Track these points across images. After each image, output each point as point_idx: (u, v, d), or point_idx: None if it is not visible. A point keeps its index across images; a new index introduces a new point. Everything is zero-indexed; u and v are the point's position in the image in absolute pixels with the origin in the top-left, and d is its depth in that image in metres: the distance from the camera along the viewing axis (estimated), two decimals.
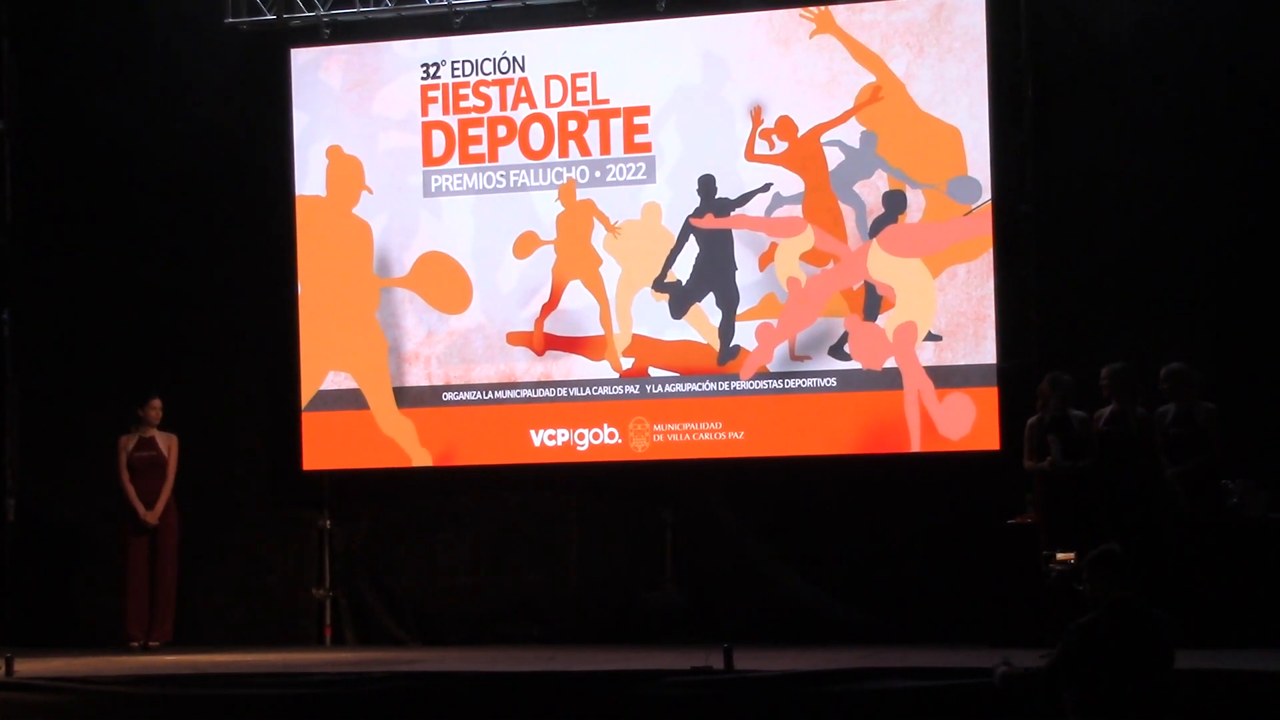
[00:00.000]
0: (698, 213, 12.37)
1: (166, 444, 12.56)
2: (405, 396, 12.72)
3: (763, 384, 12.19)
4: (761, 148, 12.27)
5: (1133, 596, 7.25)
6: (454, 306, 12.72)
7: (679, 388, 12.34)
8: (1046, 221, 11.94)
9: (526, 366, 12.57)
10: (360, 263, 12.84)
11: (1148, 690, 7.10)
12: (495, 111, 12.72)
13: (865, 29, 12.13)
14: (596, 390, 12.48)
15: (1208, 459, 10.61)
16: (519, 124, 12.67)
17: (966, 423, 11.80)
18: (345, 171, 12.88)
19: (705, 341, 12.31)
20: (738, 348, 12.24)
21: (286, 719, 9.61)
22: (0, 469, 13.40)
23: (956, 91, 11.95)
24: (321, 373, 12.82)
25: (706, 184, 12.34)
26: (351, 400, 12.76)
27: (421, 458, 12.65)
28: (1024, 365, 11.70)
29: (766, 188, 12.25)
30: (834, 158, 12.15)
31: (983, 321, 11.82)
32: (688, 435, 12.29)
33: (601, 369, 12.46)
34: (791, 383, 12.13)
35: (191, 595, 12.74)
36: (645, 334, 12.42)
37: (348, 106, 12.92)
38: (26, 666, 10.40)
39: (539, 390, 12.54)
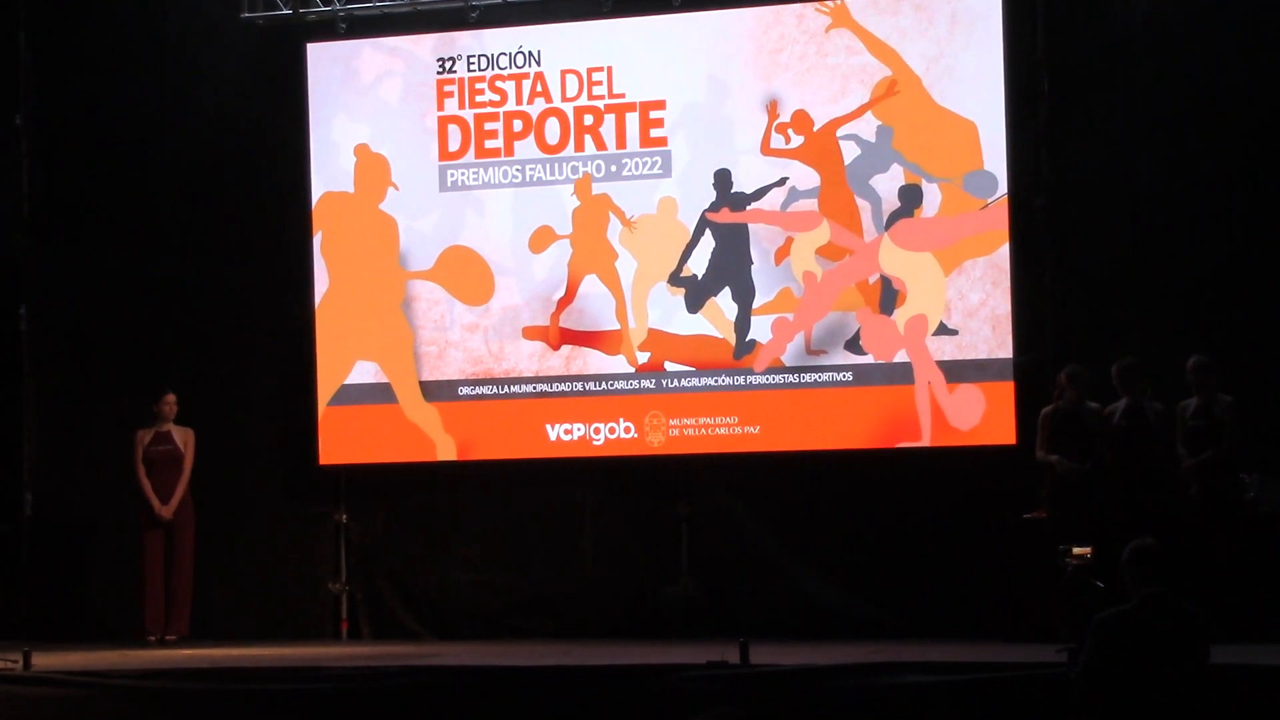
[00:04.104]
0: (713, 207, 12.37)
1: (183, 438, 12.58)
2: (425, 389, 12.73)
3: (778, 378, 12.18)
4: (777, 142, 12.26)
5: (1166, 591, 7.25)
6: (476, 299, 12.72)
7: (695, 382, 12.34)
8: (1062, 215, 11.92)
9: (542, 361, 12.57)
10: (387, 257, 12.85)
11: (1178, 686, 7.09)
12: (511, 106, 12.72)
13: (881, 22, 12.10)
14: (612, 384, 12.48)
15: (1221, 452, 10.61)
16: (535, 118, 12.67)
17: (976, 414, 11.79)
18: (373, 169, 12.88)
19: (721, 336, 12.30)
20: (753, 342, 12.23)
21: (302, 714, 9.63)
22: (18, 464, 13.43)
23: (973, 85, 11.93)
24: (349, 363, 12.82)
25: (722, 178, 12.34)
26: (374, 393, 12.77)
27: (447, 445, 12.65)
28: (1039, 359, 11.70)
29: (782, 182, 12.24)
30: (850, 152, 12.13)
31: (998, 315, 11.80)
32: (703, 430, 12.29)
33: (617, 363, 12.46)
34: (807, 377, 12.13)
35: (208, 590, 12.77)
36: (661, 328, 12.42)
37: (369, 101, 12.92)
38: (44, 661, 10.44)
39: (554, 385, 12.54)
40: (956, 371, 11.86)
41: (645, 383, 12.43)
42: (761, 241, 12.26)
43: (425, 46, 12.90)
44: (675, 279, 12.42)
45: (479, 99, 12.77)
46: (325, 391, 12.85)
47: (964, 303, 11.87)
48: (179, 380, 12.80)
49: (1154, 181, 11.78)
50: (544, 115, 12.67)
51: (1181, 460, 10.71)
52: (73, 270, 13.48)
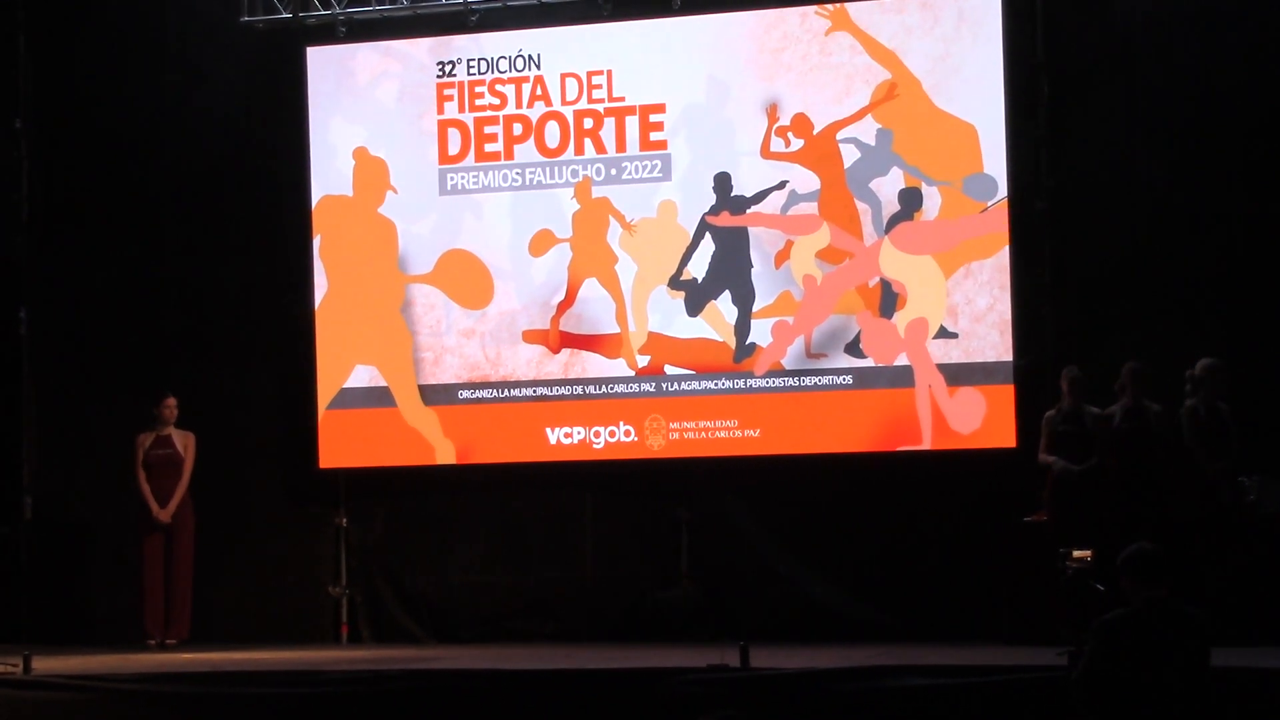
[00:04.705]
0: (713, 210, 12.37)
1: (183, 442, 12.58)
2: (424, 394, 12.72)
3: (778, 382, 12.18)
4: (777, 145, 12.26)
5: (1167, 595, 7.25)
6: (476, 302, 12.72)
7: (695, 385, 12.33)
8: (1062, 218, 11.92)
9: (542, 364, 12.57)
10: (386, 260, 12.85)
11: (1180, 690, 7.08)
12: (511, 110, 12.72)
13: (881, 26, 12.11)
14: (612, 388, 12.47)
15: (1235, 456, 10.64)
16: (535, 122, 12.67)
17: (977, 417, 11.79)
18: (371, 172, 12.88)
19: (721, 339, 12.30)
20: (753, 345, 12.23)
21: (303, 717, 9.62)
22: (17, 467, 13.43)
23: (972, 88, 11.93)
24: (348, 367, 12.82)
25: (722, 181, 12.34)
26: (373, 397, 12.76)
27: (446, 449, 12.65)
28: (1039, 361, 11.70)
29: (782, 185, 12.24)
30: (850, 155, 12.13)
31: (999, 318, 11.80)
32: (703, 433, 12.28)
33: (617, 367, 12.46)
34: (807, 380, 12.12)
35: (208, 593, 12.75)
36: (661, 332, 12.42)
37: (368, 105, 12.92)
38: (44, 664, 10.43)
39: (555, 388, 12.54)
40: (959, 374, 11.85)
41: (645, 386, 12.42)
42: (762, 245, 12.26)
43: (421, 47, 12.91)
44: (675, 282, 12.41)
45: (479, 103, 12.77)
46: (324, 395, 12.85)
47: (971, 307, 11.85)
48: (179, 384, 12.80)
49: (1154, 183, 11.78)
50: (544, 119, 12.67)
51: (1199, 462, 10.69)
52: (73, 273, 13.47)
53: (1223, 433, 10.69)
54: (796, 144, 12.23)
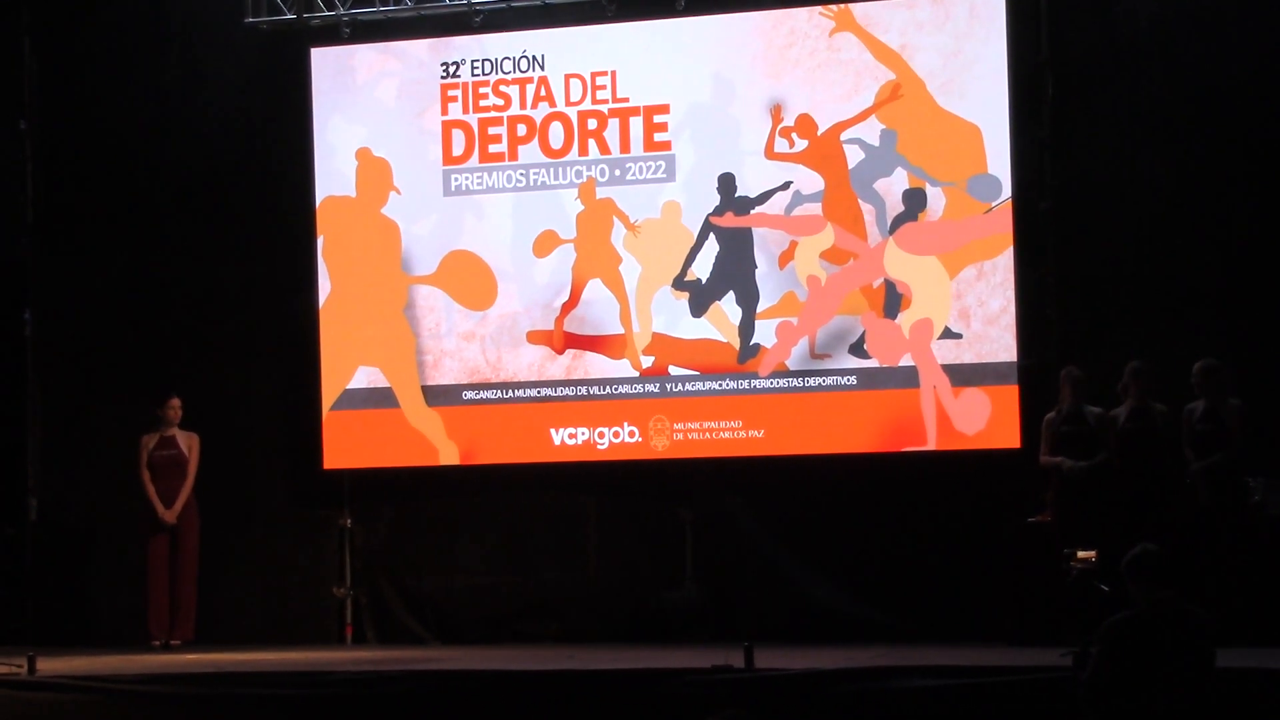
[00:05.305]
0: (717, 211, 12.36)
1: (187, 443, 12.58)
2: (427, 394, 12.73)
3: (783, 382, 12.17)
4: (781, 146, 12.25)
5: (1173, 595, 7.25)
6: (479, 304, 12.72)
7: (699, 386, 12.33)
8: (1066, 219, 11.91)
9: (546, 365, 12.57)
10: (389, 261, 12.85)
11: (1188, 689, 7.09)
12: (515, 110, 12.72)
13: (885, 26, 12.10)
14: (616, 389, 12.47)
15: (1229, 455, 10.61)
16: (539, 123, 12.67)
17: (982, 418, 11.78)
18: (374, 173, 12.88)
19: (725, 340, 12.29)
20: (758, 346, 12.22)
21: (307, 718, 9.63)
22: (22, 469, 13.43)
23: (977, 88, 11.92)
24: (351, 368, 12.82)
25: (726, 182, 12.33)
26: (377, 398, 12.76)
27: (449, 451, 12.65)
28: (1043, 362, 11.68)
29: (786, 186, 12.24)
30: (854, 156, 12.12)
31: (1003, 319, 11.79)
32: (708, 434, 12.28)
33: (621, 367, 12.46)
34: (811, 381, 12.12)
35: (212, 594, 12.76)
36: (665, 332, 12.41)
37: (371, 106, 12.93)
38: (48, 666, 10.43)
39: (559, 389, 12.54)
40: (964, 375, 11.84)
41: (649, 387, 12.42)
42: (766, 245, 12.26)
43: (424, 48, 12.91)
44: (679, 283, 12.41)
45: (483, 103, 12.77)
46: (328, 396, 12.85)
47: (984, 309, 11.82)
48: (183, 384, 12.80)
49: (1158, 183, 11.77)
50: (548, 119, 12.67)
51: (1188, 464, 10.71)
52: (77, 275, 13.48)
53: (1216, 433, 10.65)
54: (801, 145, 12.22)
